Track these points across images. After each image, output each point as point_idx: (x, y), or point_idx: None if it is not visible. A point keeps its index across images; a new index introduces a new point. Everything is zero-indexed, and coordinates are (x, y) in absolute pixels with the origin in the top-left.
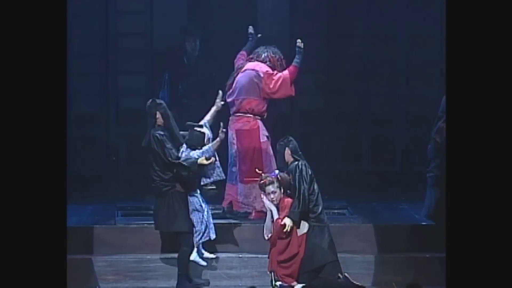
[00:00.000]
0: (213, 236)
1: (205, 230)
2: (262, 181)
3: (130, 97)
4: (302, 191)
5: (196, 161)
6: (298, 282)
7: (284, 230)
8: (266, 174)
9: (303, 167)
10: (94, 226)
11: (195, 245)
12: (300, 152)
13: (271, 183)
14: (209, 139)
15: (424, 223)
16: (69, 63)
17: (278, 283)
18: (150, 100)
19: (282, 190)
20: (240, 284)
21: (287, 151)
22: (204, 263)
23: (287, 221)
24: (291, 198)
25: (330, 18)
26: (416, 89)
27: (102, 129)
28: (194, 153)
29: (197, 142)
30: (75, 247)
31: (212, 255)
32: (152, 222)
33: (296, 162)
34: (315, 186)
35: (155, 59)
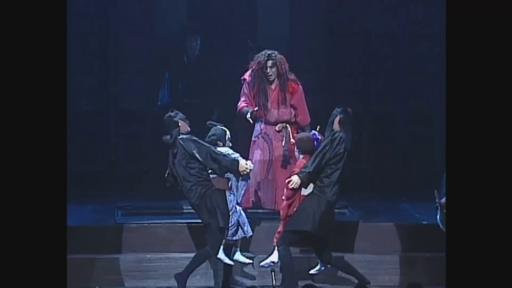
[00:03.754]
0: (248, 234)
1: (237, 229)
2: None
3: (130, 96)
4: (319, 156)
5: (237, 162)
6: (278, 243)
7: (290, 186)
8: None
9: (338, 140)
10: (94, 225)
11: (223, 243)
12: (349, 127)
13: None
14: (229, 138)
15: (425, 222)
16: (69, 62)
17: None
18: (167, 115)
19: (298, 151)
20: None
21: (337, 119)
22: (231, 262)
23: (295, 178)
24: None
25: (331, 18)
26: (417, 88)
27: (102, 128)
28: (228, 150)
29: (219, 137)
30: (75, 246)
31: (247, 260)
32: (152, 221)
33: (338, 133)
34: (339, 165)
35: (155, 58)
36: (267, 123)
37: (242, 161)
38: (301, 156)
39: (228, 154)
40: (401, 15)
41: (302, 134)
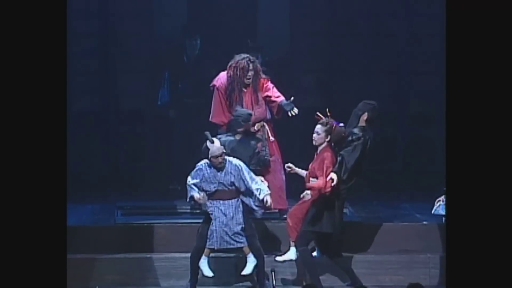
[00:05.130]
0: (216, 247)
1: (210, 238)
2: (318, 118)
3: (130, 96)
4: (356, 156)
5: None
6: (297, 243)
7: (332, 184)
8: (329, 119)
9: (369, 140)
10: (93, 225)
11: (205, 252)
12: (373, 126)
13: (322, 124)
14: (215, 155)
15: (425, 222)
16: (69, 62)
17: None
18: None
19: (327, 138)
20: (240, 284)
21: (365, 116)
22: (207, 274)
23: (333, 176)
24: (333, 154)
25: (331, 17)
26: (417, 87)
27: (102, 128)
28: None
29: (204, 154)
30: (74, 246)
31: (208, 274)
32: (151, 221)
33: (366, 131)
34: (359, 168)
35: (155, 57)
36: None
37: (195, 194)
38: (320, 147)
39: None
40: (401, 15)
41: (339, 130)
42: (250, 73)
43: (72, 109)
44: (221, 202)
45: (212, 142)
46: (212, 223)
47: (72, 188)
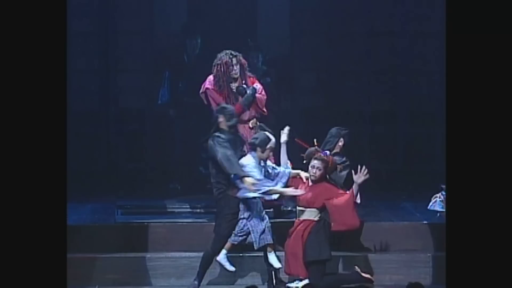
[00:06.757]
0: (256, 246)
1: (242, 235)
2: (315, 152)
3: (130, 95)
4: (344, 179)
5: (243, 177)
6: (310, 278)
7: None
8: (320, 151)
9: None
10: (93, 224)
11: (226, 246)
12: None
13: (321, 159)
14: (271, 148)
15: (425, 222)
16: (69, 61)
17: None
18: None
19: (325, 172)
20: (240, 284)
21: (341, 142)
22: (230, 268)
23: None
24: (329, 184)
25: (331, 16)
26: (417, 86)
27: (102, 128)
28: (251, 163)
29: (260, 143)
30: (75, 245)
31: (231, 268)
32: (151, 220)
33: (345, 156)
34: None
35: (155, 57)
36: (240, 122)
37: (248, 179)
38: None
39: (244, 165)
40: (401, 14)
41: (335, 161)
42: (236, 67)
43: (72, 108)
44: None
45: (271, 133)
46: (250, 219)
47: (72, 187)
